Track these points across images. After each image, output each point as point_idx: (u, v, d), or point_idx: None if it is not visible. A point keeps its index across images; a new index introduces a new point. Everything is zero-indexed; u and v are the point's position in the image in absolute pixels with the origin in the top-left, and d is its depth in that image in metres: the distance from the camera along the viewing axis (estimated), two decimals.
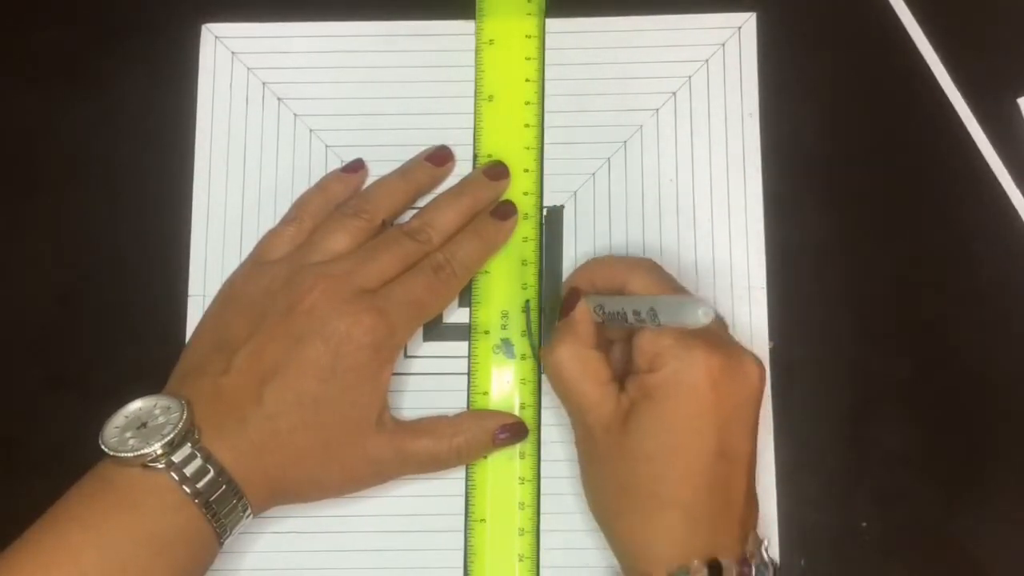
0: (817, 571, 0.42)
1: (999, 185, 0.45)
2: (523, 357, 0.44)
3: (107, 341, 0.44)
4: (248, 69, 0.46)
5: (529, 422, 0.43)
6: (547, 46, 0.46)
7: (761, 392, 0.38)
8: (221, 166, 0.45)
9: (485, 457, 0.43)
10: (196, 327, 0.43)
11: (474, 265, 0.43)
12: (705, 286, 0.44)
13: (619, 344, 0.41)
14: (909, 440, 0.43)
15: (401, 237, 0.41)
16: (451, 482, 0.43)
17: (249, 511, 0.37)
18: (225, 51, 0.46)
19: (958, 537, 0.42)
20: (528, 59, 0.46)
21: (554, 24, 0.46)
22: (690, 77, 0.46)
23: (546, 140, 0.46)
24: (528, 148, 0.45)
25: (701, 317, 0.35)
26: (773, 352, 0.43)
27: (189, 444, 0.36)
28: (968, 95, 0.45)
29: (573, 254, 0.45)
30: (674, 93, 0.46)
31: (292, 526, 0.42)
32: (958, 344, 0.44)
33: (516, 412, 0.43)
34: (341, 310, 0.38)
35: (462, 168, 0.45)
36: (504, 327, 0.44)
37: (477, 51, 0.46)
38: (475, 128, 0.45)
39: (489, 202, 0.44)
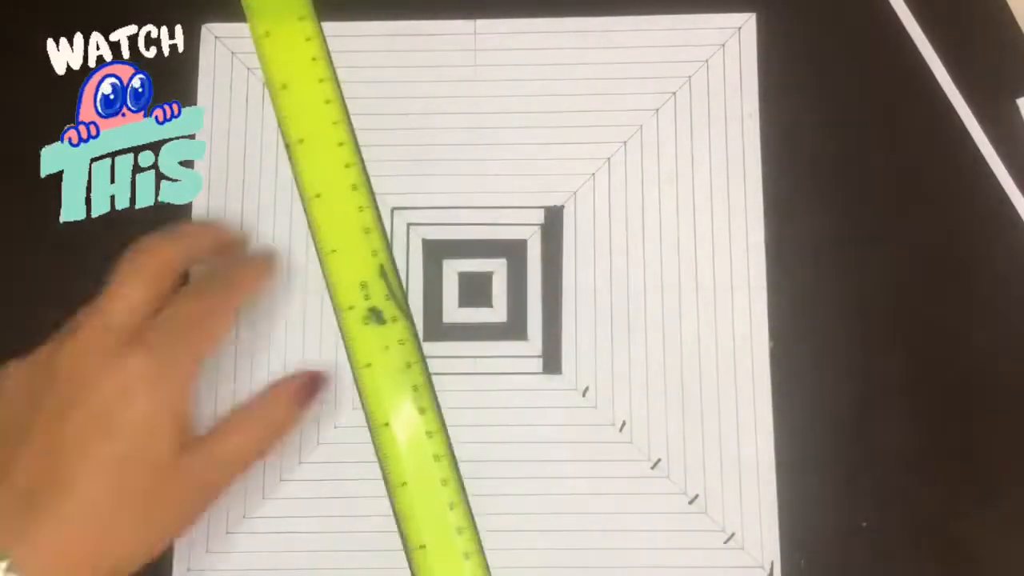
0: (817, 571, 0.42)
1: (999, 185, 0.45)
2: (394, 319, 0.43)
3: None
4: (248, 69, 0.46)
5: (422, 391, 0.42)
6: (546, 45, 0.46)
7: None
8: (221, 167, 0.46)
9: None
10: None
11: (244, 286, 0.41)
12: (705, 286, 0.44)
13: None
14: (909, 440, 0.43)
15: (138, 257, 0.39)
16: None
17: None
18: (225, 51, 0.46)
19: (958, 537, 0.42)
20: (328, 102, 0.45)
21: (554, 24, 0.46)
22: (690, 77, 0.46)
23: (546, 140, 0.46)
24: (355, 188, 0.45)
25: None
26: (773, 352, 0.44)
27: None
28: (968, 95, 0.45)
29: (573, 254, 0.45)
30: (674, 93, 0.46)
31: (292, 526, 0.42)
32: (958, 344, 0.44)
33: (406, 377, 0.43)
34: (100, 363, 0.36)
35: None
36: (367, 297, 0.43)
37: (273, 99, 0.45)
38: (295, 176, 0.45)
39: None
